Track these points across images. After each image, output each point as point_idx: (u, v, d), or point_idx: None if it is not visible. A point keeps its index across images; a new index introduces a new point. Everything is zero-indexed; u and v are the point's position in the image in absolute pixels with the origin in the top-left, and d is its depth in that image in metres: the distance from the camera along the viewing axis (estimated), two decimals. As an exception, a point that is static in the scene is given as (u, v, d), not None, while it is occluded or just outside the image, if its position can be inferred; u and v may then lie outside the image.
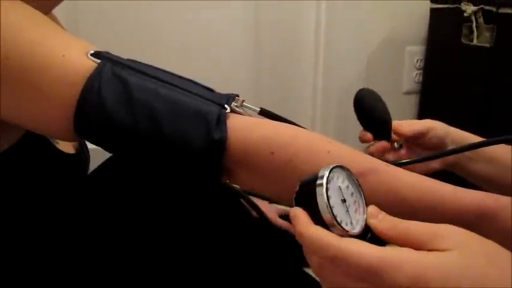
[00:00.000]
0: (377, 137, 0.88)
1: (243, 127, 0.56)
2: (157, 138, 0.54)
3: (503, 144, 0.84)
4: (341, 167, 0.46)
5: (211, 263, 0.68)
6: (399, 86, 1.81)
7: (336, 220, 0.42)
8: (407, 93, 1.82)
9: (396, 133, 0.90)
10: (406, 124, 0.91)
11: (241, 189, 0.84)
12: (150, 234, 0.67)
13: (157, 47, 1.44)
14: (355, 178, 0.47)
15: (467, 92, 1.59)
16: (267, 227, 1.02)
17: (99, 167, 0.68)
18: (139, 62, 0.59)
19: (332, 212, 0.43)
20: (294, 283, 0.77)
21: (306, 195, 0.45)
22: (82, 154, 0.78)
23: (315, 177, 0.44)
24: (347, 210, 0.44)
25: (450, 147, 0.89)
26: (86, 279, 0.73)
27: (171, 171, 0.59)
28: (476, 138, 0.89)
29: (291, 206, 0.50)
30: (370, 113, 0.86)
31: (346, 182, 0.46)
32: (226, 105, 0.56)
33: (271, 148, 0.55)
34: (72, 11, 1.32)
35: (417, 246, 0.41)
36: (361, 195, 0.47)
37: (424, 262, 0.39)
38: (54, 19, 0.77)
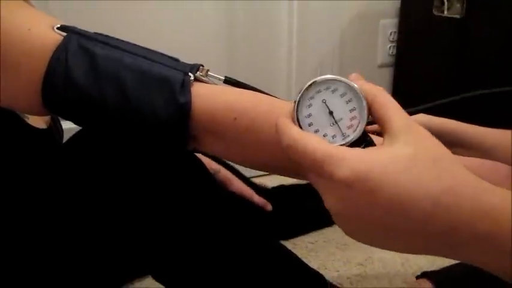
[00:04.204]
0: None
1: (207, 93, 0.57)
2: (123, 105, 0.55)
3: (475, 133, 0.86)
4: (345, 81, 0.46)
5: (184, 236, 0.69)
6: (373, 59, 1.82)
7: (301, 124, 0.44)
8: (382, 66, 1.84)
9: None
10: None
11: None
12: (124, 204, 0.67)
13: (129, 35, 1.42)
14: (362, 96, 0.45)
15: (440, 62, 1.62)
16: (241, 199, 1.04)
17: (68, 139, 0.69)
18: (106, 35, 0.60)
19: (300, 117, 0.44)
20: (269, 255, 0.78)
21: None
22: (55, 129, 0.79)
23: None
24: (334, 123, 0.45)
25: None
26: (62, 251, 0.74)
27: (139, 139, 0.60)
28: (455, 125, 0.90)
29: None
30: None
31: (348, 96, 0.46)
32: (190, 73, 0.57)
33: (234, 113, 0.56)
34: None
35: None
36: (363, 112, 0.45)
37: (368, 158, 0.41)
38: None
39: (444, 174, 0.41)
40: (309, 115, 0.45)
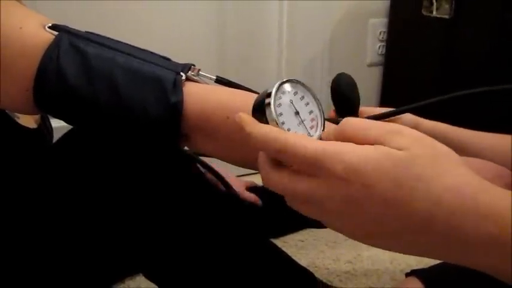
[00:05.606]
0: (341, 114, 0.90)
1: (199, 92, 0.58)
2: (115, 104, 0.56)
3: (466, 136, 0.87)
4: (303, 84, 0.47)
5: (175, 234, 0.69)
6: (363, 58, 1.83)
7: (278, 123, 0.44)
8: (371, 65, 1.84)
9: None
10: (370, 110, 0.90)
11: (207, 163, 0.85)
12: (115, 202, 0.68)
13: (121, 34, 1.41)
14: (316, 97, 0.47)
15: (428, 62, 1.63)
16: (232, 197, 1.04)
17: (59, 139, 0.69)
18: (97, 34, 0.60)
19: (276, 115, 0.44)
20: (259, 252, 0.79)
21: (258, 108, 0.46)
22: (44, 128, 0.79)
23: (266, 90, 0.46)
24: (301, 123, 0.46)
25: None
26: (53, 250, 0.74)
27: (131, 138, 0.60)
28: (446, 128, 0.91)
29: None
30: (335, 90, 0.90)
31: (306, 100, 0.47)
32: (182, 73, 0.58)
33: (226, 112, 0.57)
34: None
35: (374, 142, 0.40)
36: (320, 114, 0.47)
37: (363, 154, 0.39)
38: None
39: (445, 172, 0.39)
40: (281, 114, 0.45)
